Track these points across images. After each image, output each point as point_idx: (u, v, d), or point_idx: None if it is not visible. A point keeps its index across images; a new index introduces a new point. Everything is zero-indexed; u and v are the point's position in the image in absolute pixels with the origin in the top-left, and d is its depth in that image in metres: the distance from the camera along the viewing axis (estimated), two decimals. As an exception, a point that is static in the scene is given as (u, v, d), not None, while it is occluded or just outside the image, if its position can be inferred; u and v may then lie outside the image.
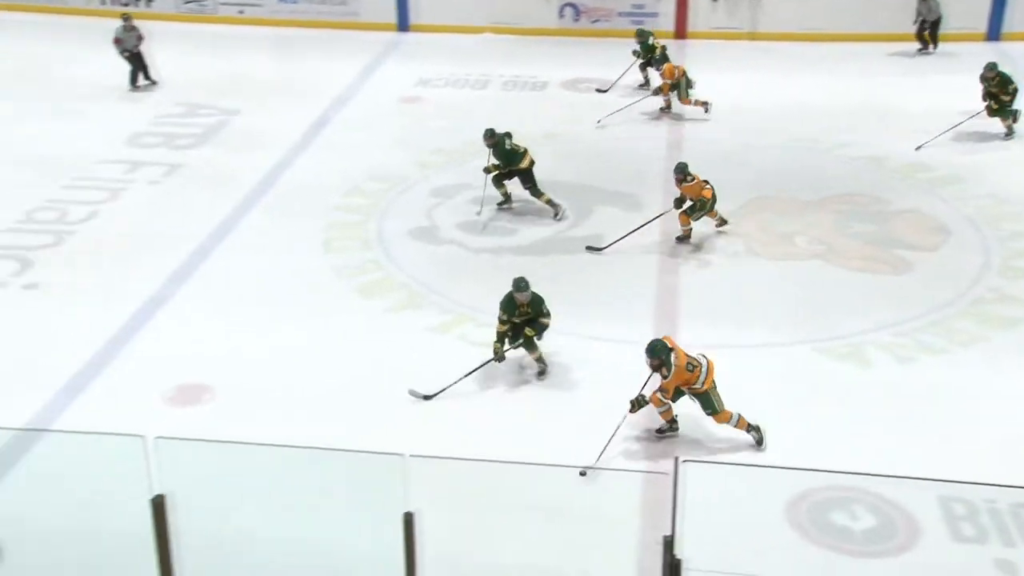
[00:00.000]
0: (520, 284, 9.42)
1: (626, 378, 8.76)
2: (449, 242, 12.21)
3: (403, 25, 20.42)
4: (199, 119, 16.00)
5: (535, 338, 9.50)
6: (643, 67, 16.91)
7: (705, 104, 15.89)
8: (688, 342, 9.01)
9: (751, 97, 16.79)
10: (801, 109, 16.35)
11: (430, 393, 9.26)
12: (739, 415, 8.62)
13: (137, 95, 16.96)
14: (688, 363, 8.43)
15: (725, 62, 18.51)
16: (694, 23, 19.98)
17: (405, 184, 13.78)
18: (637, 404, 8.47)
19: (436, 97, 16.88)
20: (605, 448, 8.26)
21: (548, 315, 9.49)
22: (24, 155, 14.53)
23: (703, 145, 14.95)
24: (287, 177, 14.02)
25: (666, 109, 16.03)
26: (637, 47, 16.79)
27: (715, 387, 8.53)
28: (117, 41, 16.82)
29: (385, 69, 18.41)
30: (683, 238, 12.12)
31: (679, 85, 15.72)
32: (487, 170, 12.65)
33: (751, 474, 7.86)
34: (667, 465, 7.54)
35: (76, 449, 7.54)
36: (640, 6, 19.93)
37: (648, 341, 8.57)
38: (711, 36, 19.86)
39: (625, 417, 8.45)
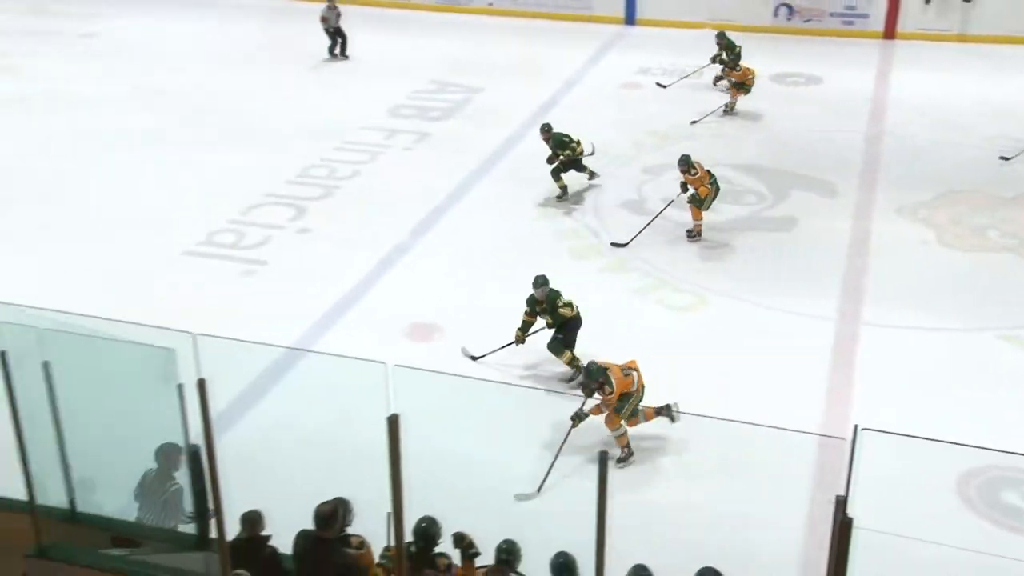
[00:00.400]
0: (537, 280, 8.73)
1: (799, 351, 8.41)
2: (652, 214, 12.06)
3: (630, 18, 20.19)
4: (448, 95, 16.36)
5: (553, 345, 8.74)
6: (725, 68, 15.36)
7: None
8: (869, 319, 8.56)
9: (955, 97, 15.70)
10: (1005, 110, 15.15)
11: (477, 355, 9.07)
12: (626, 432, 7.70)
13: (398, 73, 17.47)
14: (623, 370, 7.68)
15: (932, 62, 17.35)
16: (904, 24, 18.78)
17: (620, 161, 13.67)
18: (577, 419, 7.58)
19: (653, 84, 16.62)
20: (551, 468, 7.47)
21: (567, 306, 8.68)
22: (303, 122, 15.28)
23: (899, 140, 14.11)
24: (518, 149, 14.16)
25: (730, 111, 15.00)
26: (720, 51, 15.38)
27: (641, 394, 7.71)
28: (323, 19, 17.81)
29: (610, 58, 18.26)
30: (693, 232, 11.23)
31: (748, 88, 14.81)
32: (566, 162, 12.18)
33: (926, 448, 7.44)
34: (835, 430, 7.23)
35: (329, 368, 7.89)
36: (852, 7, 18.91)
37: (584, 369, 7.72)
38: (920, 37, 18.62)
39: (568, 434, 7.58)
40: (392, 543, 4.80)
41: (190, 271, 11.00)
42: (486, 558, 5.77)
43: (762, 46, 18.25)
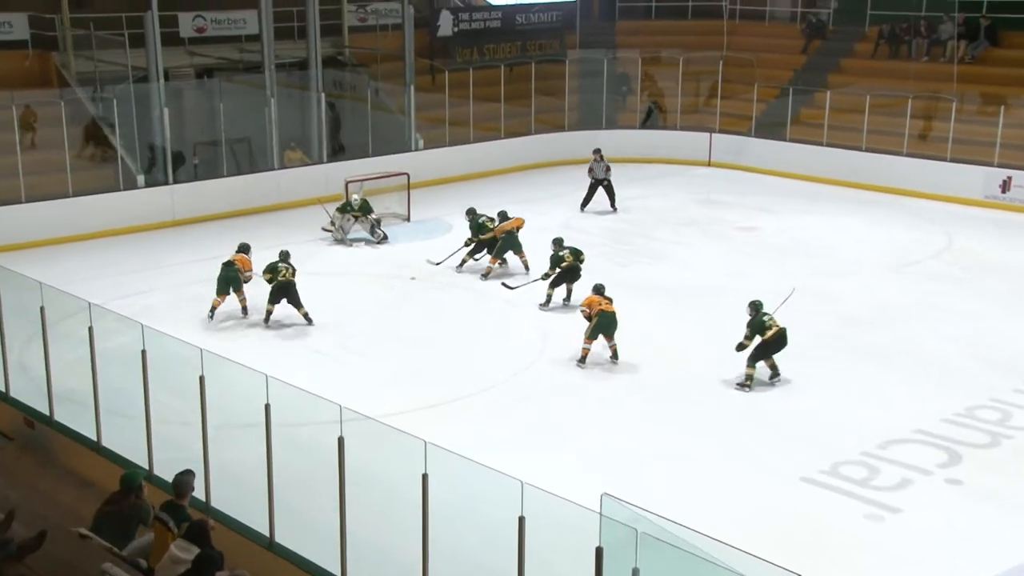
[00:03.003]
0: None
1: None
2: None
3: None
4: None
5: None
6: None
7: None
8: None
9: None
10: None
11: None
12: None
13: None
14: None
15: None
16: None
17: None
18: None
19: None
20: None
21: (489, 220, 15.30)
22: (979, 349, 13.10)
23: None
24: None
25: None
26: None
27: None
28: (590, 171, 19.56)
29: None
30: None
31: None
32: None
33: None
34: None
35: None
36: None
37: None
38: None
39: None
40: None
41: (807, 501, 9.56)
42: None
43: None
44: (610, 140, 22.96)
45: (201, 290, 14.45)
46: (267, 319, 13.81)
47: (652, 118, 25.47)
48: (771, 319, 12.02)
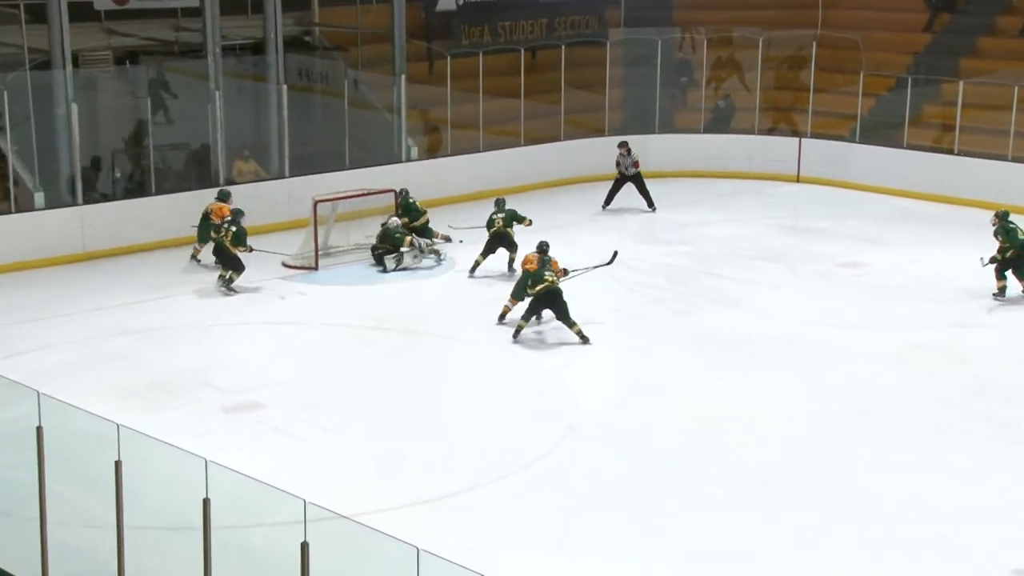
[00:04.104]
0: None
1: None
2: None
3: None
4: None
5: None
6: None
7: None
8: None
9: None
10: None
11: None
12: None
13: None
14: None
15: None
16: None
17: None
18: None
19: None
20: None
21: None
22: None
23: None
24: None
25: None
26: None
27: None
28: (617, 165, 21.86)
29: None
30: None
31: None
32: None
33: None
34: None
35: None
36: None
37: None
38: None
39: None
40: None
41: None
42: None
43: None
44: (665, 148, 23.08)
45: (120, 345, 14.47)
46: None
47: (722, 118, 25.59)
48: (551, 275, 15.17)
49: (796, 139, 24.28)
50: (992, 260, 16.74)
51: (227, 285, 17.18)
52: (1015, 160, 21.62)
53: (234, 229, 17.16)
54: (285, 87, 21.47)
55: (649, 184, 21.75)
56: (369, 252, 18.70)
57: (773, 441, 12.75)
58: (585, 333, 15.09)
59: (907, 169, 22.73)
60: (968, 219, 20.94)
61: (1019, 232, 16.66)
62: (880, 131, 23.68)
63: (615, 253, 16.78)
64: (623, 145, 21.82)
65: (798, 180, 23.96)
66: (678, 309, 16.80)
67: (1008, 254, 16.68)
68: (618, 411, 12.69)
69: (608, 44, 25.43)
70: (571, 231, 20.01)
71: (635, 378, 14.56)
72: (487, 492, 11.70)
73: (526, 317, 15.35)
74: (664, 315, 16.26)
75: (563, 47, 24.42)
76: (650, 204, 21.86)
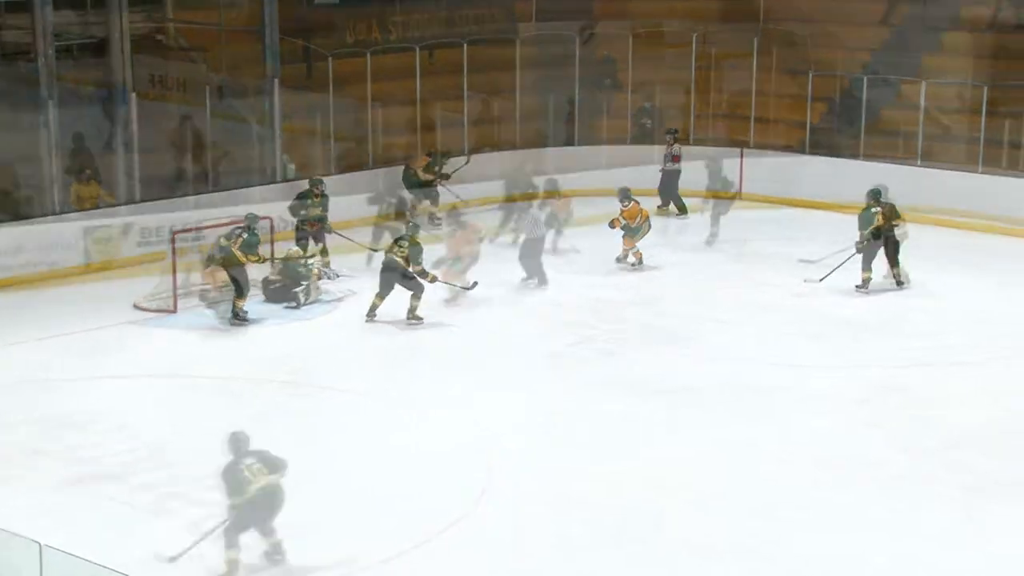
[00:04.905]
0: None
1: None
2: None
3: None
4: None
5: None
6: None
7: None
8: None
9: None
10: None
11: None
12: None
13: None
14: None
15: None
16: None
17: None
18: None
19: None
20: None
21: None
22: None
23: None
24: None
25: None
26: None
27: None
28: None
29: None
30: (622, 259, 20.36)
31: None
32: None
33: None
34: None
35: None
36: None
37: None
38: None
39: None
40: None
41: None
42: None
43: None
44: (586, 163, 23.08)
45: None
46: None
47: (648, 127, 25.70)
48: None
49: (738, 151, 24.41)
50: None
51: (238, 315, 17.52)
52: (986, 172, 21.97)
53: (244, 236, 17.43)
54: (134, 95, 21.26)
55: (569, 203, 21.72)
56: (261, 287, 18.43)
57: (716, 504, 12.69)
58: (420, 314, 17.41)
59: (864, 183, 22.93)
60: (942, 241, 21.29)
61: (875, 217, 18.78)
62: (834, 140, 23.95)
63: (475, 283, 18.30)
64: (670, 133, 23.54)
65: (739, 197, 23.96)
66: (607, 350, 16.84)
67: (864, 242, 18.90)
68: (537, 473, 12.56)
69: (518, 41, 25.57)
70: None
71: (556, 433, 14.49)
72: (398, 564, 11.52)
73: (380, 294, 17.48)
74: (592, 357, 16.27)
75: (465, 45, 24.45)
76: (678, 206, 23.53)
